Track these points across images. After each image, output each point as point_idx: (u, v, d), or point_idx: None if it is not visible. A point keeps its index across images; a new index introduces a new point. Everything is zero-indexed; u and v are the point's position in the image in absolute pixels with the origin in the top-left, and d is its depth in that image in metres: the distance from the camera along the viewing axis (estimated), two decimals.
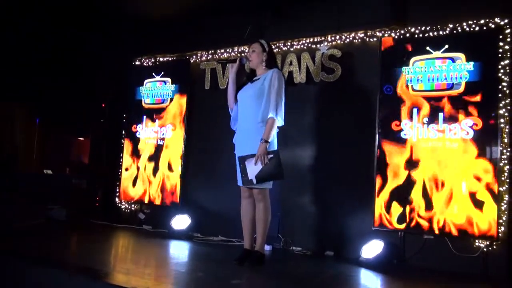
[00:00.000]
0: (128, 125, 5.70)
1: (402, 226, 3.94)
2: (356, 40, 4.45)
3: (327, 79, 4.51)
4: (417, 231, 3.88)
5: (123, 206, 5.66)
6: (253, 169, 3.19)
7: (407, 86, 4.09)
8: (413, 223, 3.90)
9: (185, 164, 5.25)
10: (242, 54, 5.01)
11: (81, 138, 8.91)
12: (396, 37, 4.23)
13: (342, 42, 4.51)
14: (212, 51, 5.29)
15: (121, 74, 5.89)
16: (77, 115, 7.16)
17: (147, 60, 5.74)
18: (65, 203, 5.63)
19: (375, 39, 4.35)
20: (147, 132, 5.53)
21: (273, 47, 4.65)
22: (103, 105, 6.08)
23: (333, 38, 4.54)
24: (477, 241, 3.71)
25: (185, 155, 5.25)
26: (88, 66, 6.28)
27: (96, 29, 5.81)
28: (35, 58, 6.16)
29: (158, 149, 5.41)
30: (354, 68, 4.44)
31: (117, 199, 5.70)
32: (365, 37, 4.41)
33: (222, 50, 5.22)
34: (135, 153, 5.58)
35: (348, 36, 4.47)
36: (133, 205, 5.59)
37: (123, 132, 5.75)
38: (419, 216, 3.88)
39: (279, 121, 3.27)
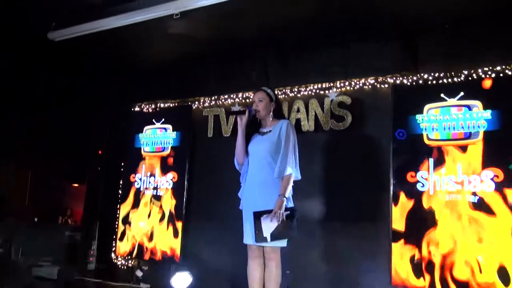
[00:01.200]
0: (126, 174, 5.71)
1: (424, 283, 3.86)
2: (367, 86, 4.52)
3: (337, 127, 4.56)
4: None
5: (119, 263, 5.59)
6: (268, 225, 3.17)
7: (422, 135, 4.10)
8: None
9: (186, 217, 5.22)
10: (248, 101, 5.08)
11: (76, 185, 8.92)
12: (408, 83, 4.29)
13: (351, 88, 4.58)
14: (215, 97, 5.38)
15: (119, 120, 5.98)
16: (73, 161, 7.19)
17: (147, 106, 5.84)
18: (57, 259, 5.56)
19: (386, 85, 4.42)
20: (146, 182, 5.53)
21: (279, 93, 4.79)
22: (99, 152, 6.11)
23: (342, 84, 4.62)
24: None
25: (186, 207, 5.24)
26: (85, 111, 6.37)
27: (93, 74, 5.94)
28: (28, 102, 6.26)
29: (158, 199, 5.39)
30: (365, 115, 4.50)
31: (113, 254, 5.64)
32: (375, 83, 4.48)
33: (226, 96, 5.31)
34: (133, 204, 5.56)
35: (358, 82, 4.55)
36: (130, 261, 5.52)
37: (121, 181, 5.76)
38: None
39: (296, 175, 3.33)
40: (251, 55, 5.09)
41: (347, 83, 4.61)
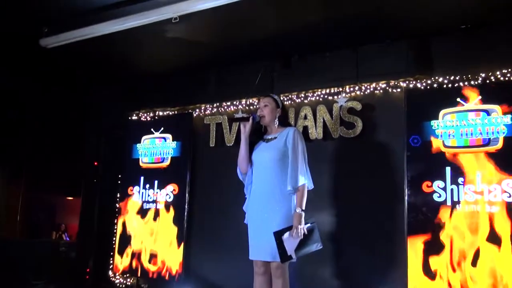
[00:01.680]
0: (124, 187, 5.72)
1: None
2: (378, 91, 4.52)
3: (347, 135, 4.55)
4: None
5: (117, 281, 5.59)
6: (291, 243, 3.17)
7: (437, 142, 4.09)
8: None
9: (188, 231, 5.22)
10: (252, 108, 5.09)
11: (70, 198, 8.93)
12: (422, 87, 4.28)
13: (362, 93, 4.58)
14: (217, 104, 5.39)
15: (116, 130, 5.99)
16: (67, 173, 7.21)
17: (145, 115, 5.85)
18: (52, 277, 5.56)
19: (399, 89, 4.42)
20: (144, 195, 5.53)
21: (285, 99, 4.80)
22: (95, 163, 6.12)
23: (351, 89, 4.62)
24: None
25: (188, 221, 5.23)
26: (80, 121, 6.39)
27: (88, 81, 5.96)
28: (18, 112, 6.28)
29: (158, 213, 5.39)
30: (376, 122, 4.50)
31: (110, 272, 5.64)
32: (387, 88, 4.48)
33: (228, 103, 5.32)
34: (132, 218, 5.56)
35: (368, 87, 4.55)
36: (128, 279, 5.51)
37: (118, 195, 5.76)
38: None
39: (309, 184, 3.33)
40: (254, 60, 5.10)
41: (357, 88, 4.60)
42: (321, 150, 4.68)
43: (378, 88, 4.52)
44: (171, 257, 5.21)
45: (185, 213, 5.26)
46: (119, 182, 5.82)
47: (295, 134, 3.30)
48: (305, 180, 3.24)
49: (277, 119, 3.43)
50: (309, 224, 3.23)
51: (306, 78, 4.90)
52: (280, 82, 5.03)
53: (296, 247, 3.17)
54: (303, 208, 3.19)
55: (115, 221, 5.72)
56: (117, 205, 5.77)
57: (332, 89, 4.73)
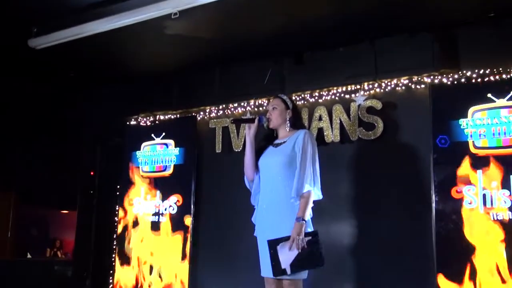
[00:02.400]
0: (123, 198, 5.75)
1: None
2: (400, 88, 4.51)
3: (366, 136, 4.54)
4: None
5: None
6: (287, 255, 3.13)
7: (466, 142, 4.06)
8: None
9: (194, 246, 5.23)
10: (261, 110, 5.10)
11: (65, 211, 9.00)
12: (449, 82, 4.26)
13: (382, 90, 4.57)
14: (223, 106, 5.40)
15: (113, 137, 6.03)
16: (61, 184, 7.25)
17: (144, 119, 5.88)
18: None
19: (423, 85, 4.41)
20: (146, 207, 5.56)
21: (298, 99, 4.81)
22: (91, 172, 6.16)
23: (370, 86, 4.62)
24: None
25: (194, 234, 5.24)
26: (73, 127, 6.43)
27: (81, 84, 5.99)
28: (6, 117, 6.34)
29: (160, 227, 5.41)
30: (398, 121, 4.48)
31: None
32: (410, 84, 4.47)
33: (236, 104, 5.33)
34: (132, 232, 5.60)
35: (389, 84, 4.54)
36: None
37: (117, 207, 5.79)
38: None
39: (317, 194, 3.28)
40: (263, 57, 5.11)
41: (376, 85, 4.59)
42: (338, 154, 4.68)
43: (400, 84, 4.50)
44: (176, 274, 5.22)
45: (191, 226, 5.26)
46: (117, 193, 5.84)
47: (305, 136, 3.26)
48: (310, 188, 3.19)
49: (288, 121, 3.41)
50: (310, 237, 3.14)
51: (320, 75, 4.90)
52: (292, 80, 5.05)
53: (293, 261, 3.10)
54: (306, 217, 3.13)
55: (114, 236, 5.74)
56: (116, 219, 5.79)
57: (349, 86, 4.72)
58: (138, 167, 5.74)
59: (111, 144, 6.11)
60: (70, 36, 4.52)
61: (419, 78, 4.43)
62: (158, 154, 5.63)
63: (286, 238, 3.11)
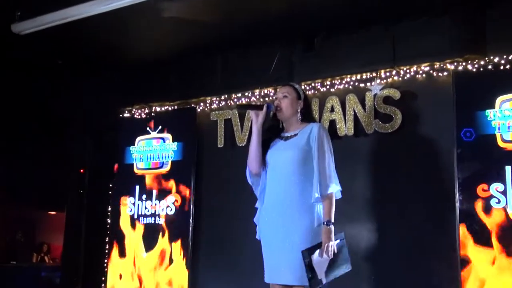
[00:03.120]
0: (116, 198, 5.77)
1: None
2: (420, 76, 4.50)
3: (383, 129, 4.54)
4: None
5: None
6: (320, 264, 3.11)
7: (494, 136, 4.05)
8: None
9: (194, 250, 5.24)
10: (267, 100, 5.10)
11: (52, 213, 9.01)
12: (474, 69, 4.25)
13: (400, 78, 4.57)
14: (225, 96, 5.40)
15: (105, 130, 6.04)
16: (48, 183, 7.24)
17: (139, 111, 5.89)
18: None
19: (445, 73, 4.39)
20: (141, 207, 5.57)
21: (308, 88, 4.81)
22: (81, 170, 6.17)
23: (387, 74, 4.61)
24: None
25: (193, 237, 5.26)
26: (61, 120, 6.42)
27: (70, 73, 5.98)
28: None
29: (157, 230, 5.43)
30: (419, 113, 4.47)
31: None
32: (431, 71, 4.45)
33: (239, 94, 5.33)
34: (126, 235, 5.61)
35: (408, 71, 4.53)
36: None
37: (109, 208, 5.80)
38: None
39: (337, 193, 3.30)
40: (269, 42, 5.10)
41: (394, 73, 4.58)
42: (352, 148, 4.68)
43: (420, 72, 4.49)
44: (175, 280, 5.23)
45: (190, 228, 5.28)
46: (110, 192, 5.86)
47: (320, 130, 3.24)
48: (337, 187, 3.22)
49: (299, 113, 3.37)
50: (338, 241, 3.18)
51: (332, 62, 4.89)
52: (301, 67, 5.04)
53: (326, 269, 3.11)
54: (333, 220, 3.13)
55: (106, 240, 5.76)
56: (108, 220, 5.80)
57: (364, 74, 4.71)
58: (133, 164, 5.73)
59: (102, 139, 6.11)
60: (57, 20, 4.51)
61: (441, 65, 4.41)
62: (155, 150, 5.63)
63: (318, 246, 3.10)
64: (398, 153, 4.52)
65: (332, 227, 3.12)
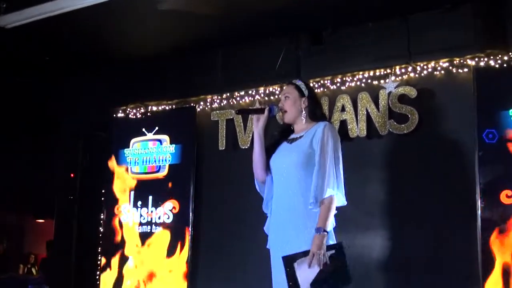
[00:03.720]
0: (109, 205, 5.74)
1: None
2: (438, 72, 4.48)
3: (398, 130, 4.51)
4: None
5: None
6: (306, 274, 3.00)
7: None
8: None
9: (193, 261, 5.22)
10: (272, 99, 5.07)
11: (41, 220, 9.01)
12: (497, 65, 4.22)
13: (417, 75, 4.54)
14: (227, 95, 5.36)
15: (97, 132, 6.01)
16: (35, 188, 7.22)
17: (134, 111, 5.85)
18: None
19: (465, 69, 4.37)
20: (136, 215, 5.55)
21: (317, 85, 4.77)
22: (72, 175, 6.14)
23: (403, 71, 4.59)
24: None
25: (193, 248, 5.23)
26: (50, 121, 6.39)
27: (59, 70, 5.95)
28: None
29: (153, 239, 5.41)
30: (436, 112, 4.44)
31: None
32: (450, 68, 4.43)
33: (242, 93, 5.29)
34: (120, 244, 5.58)
35: (425, 67, 4.50)
36: None
37: (102, 215, 5.78)
38: None
39: (340, 199, 3.18)
40: (274, 35, 5.07)
41: (410, 69, 4.55)
42: (365, 151, 4.65)
43: (438, 68, 4.46)
44: None
45: (190, 237, 5.24)
46: (102, 198, 5.83)
47: (325, 130, 3.13)
48: (333, 192, 3.07)
49: (304, 111, 3.30)
50: (333, 251, 3.02)
51: (342, 57, 4.86)
52: (309, 63, 5.01)
53: (314, 281, 3.00)
54: (327, 228, 3.00)
55: (99, 250, 5.73)
56: (101, 229, 5.78)
57: (378, 71, 4.68)
58: (127, 168, 5.70)
59: (95, 140, 6.07)
60: (45, 13, 4.51)
61: (461, 61, 4.38)
62: (151, 152, 5.58)
63: (305, 253, 2.99)
64: (414, 156, 4.49)
65: (325, 234, 2.99)
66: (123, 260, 5.57)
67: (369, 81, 4.72)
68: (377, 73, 4.68)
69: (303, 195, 3.12)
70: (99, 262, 5.73)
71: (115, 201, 5.74)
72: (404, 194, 4.48)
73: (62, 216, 6.30)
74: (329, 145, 3.11)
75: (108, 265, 5.65)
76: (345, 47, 4.87)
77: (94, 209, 5.90)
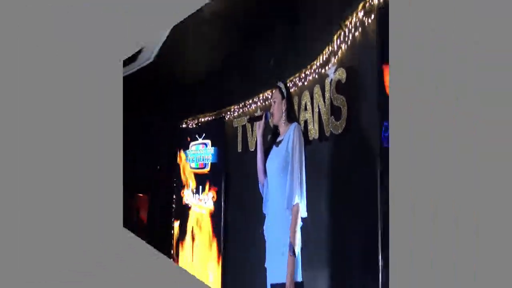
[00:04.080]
0: (178, 192, 4.04)
1: None
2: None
3: (335, 129, 1.77)
4: None
5: None
6: None
7: None
8: None
9: (225, 246, 3.18)
10: (267, 103, 2.72)
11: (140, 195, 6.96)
12: None
13: (346, 48, 1.70)
14: (242, 104, 3.14)
15: (172, 137, 4.27)
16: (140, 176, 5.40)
17: (191, 122, 4.00)
18: None
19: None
20: (192, 198, 3.77)
21: (290, 84, 2.28)
22: (158, 167, 4.51)
23: (339, 43, 1.75)
24: None
25: (224, 233, 3.20)
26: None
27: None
28: None
29: (201, 220, 3.56)
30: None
31: None
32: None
33: (250, 101, 3.01)
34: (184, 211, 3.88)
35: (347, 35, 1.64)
36: None
37: (174, 196, 4.11)
38: None
39: (303, 210, 1.66)
40: (268, 37, 2.67)
41: (342, 36, 1.75)
42: (318, 155, 2.00)
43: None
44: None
45: (221, 226, 3.23)
46: (174, 185, 4.11)
47: (294, 132, 1.69)
48: (298, 199, 1.62)
49: (283, 113, 1.78)
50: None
51: (305, 47, 2.23)
52: (290, 60, 2.49)
53: None
54: (296, 246, 1.56)
55: (172, 220, 4.10)
56: (174, 206, 4.11)
57: (324, 55, 1.92)
58: (189, 164, 3.94)
59: (170, 143, 4.31)
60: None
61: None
62: (201, 153, 3.76)
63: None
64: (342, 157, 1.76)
65: (296, 255, 1.55)
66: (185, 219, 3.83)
67: (319, 69, 2.01)
68: (324, 58, 1.92)
69: (281, 202, 1.71)
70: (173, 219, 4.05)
71: (182, 186, 4.01)
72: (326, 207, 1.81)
73: (153, 193, 4.65)
74: (296, 149, 1.72)
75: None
76: (305, 34, 2.22)
77: (169, 191, 4.18)
